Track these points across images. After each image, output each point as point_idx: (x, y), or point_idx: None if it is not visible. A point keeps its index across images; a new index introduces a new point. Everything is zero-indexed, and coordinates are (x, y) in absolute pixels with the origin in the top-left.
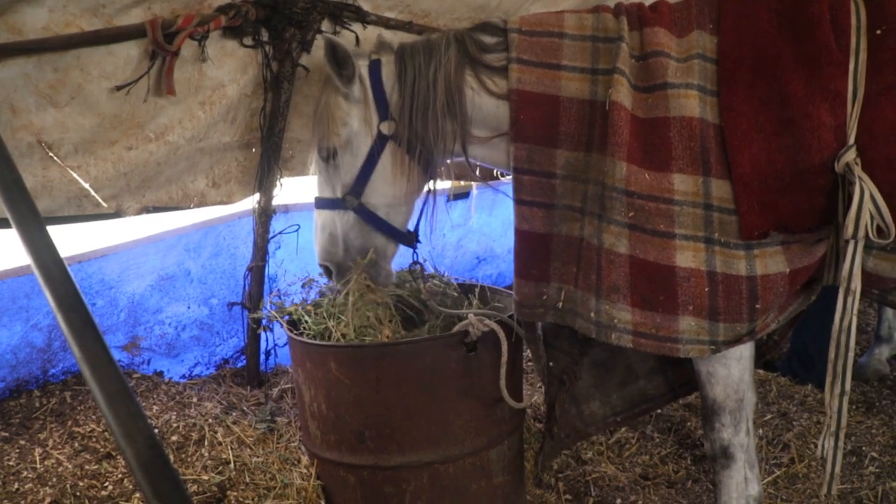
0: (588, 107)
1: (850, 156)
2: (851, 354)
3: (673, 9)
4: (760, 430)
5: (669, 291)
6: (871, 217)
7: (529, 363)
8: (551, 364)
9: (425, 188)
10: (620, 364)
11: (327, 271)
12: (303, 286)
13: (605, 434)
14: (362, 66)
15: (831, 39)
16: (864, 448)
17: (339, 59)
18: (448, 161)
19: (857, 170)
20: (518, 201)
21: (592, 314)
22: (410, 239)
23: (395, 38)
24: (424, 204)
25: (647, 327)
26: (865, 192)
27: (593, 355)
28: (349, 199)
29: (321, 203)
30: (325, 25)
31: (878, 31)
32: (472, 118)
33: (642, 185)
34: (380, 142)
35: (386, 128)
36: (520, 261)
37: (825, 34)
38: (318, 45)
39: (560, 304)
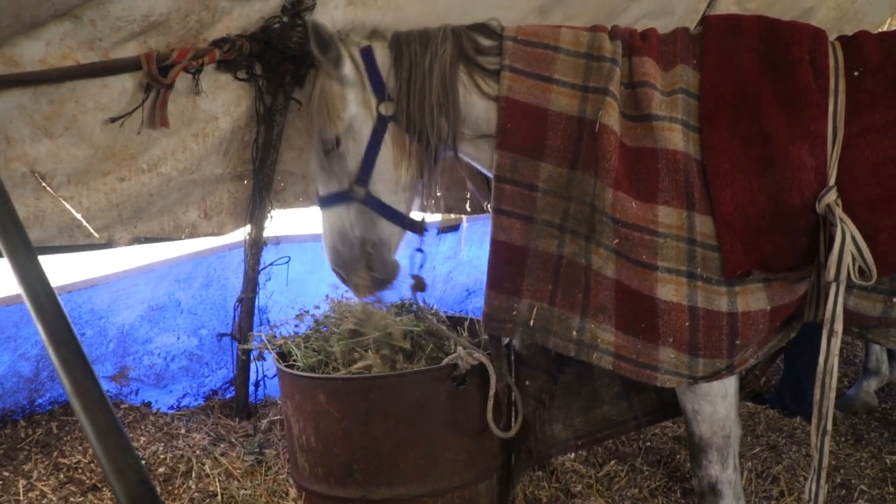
0: (576, 123)
1: (831, 197)
2: (833, 394)
3: (661, 40)
4: (749, 463)
5: (650, 321)
6: (853, 259)
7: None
8: (528, 383)
9: (427, 173)
10: (586, 388)
11: (341, 277)
12: (296, 318)
13: (568, 456)
14: (354, 51)
15: (811, 80)
16: (853, 481)
17: (323, 42)
18: (444, 155)
19: (838, 211)
20: (496, 210)
21: (574, 332)
22: (419, 226)
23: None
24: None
25: (628, 351)
26: (847, 233)
27: (564, 377)
28: (356, 188)
29: (326, 200)
30: None
31: (856, 73)
32: (463, 116)
33: (628, 214)
34: (381, 124)
35: (385, 109)
36: (493, 272)
37: (805, 75)
38: (311, 78)
39: (531, 322)
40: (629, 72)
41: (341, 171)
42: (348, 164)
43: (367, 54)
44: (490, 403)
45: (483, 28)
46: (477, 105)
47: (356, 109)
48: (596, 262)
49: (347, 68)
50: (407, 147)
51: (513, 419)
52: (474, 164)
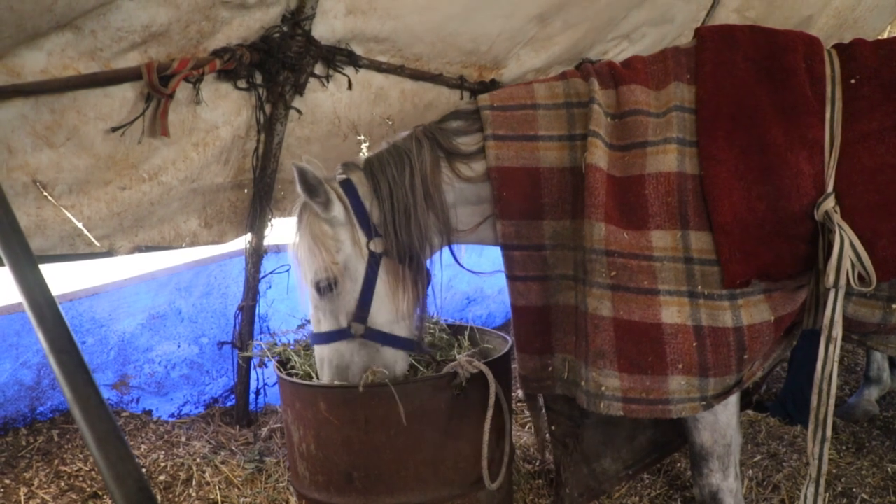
0: (569, 174)
1: (829, 203)
2: (832, 402)
3: (648, 62)
4: (750, 472)
5: (657, 351)
6: (852, 265)
7: (520, 403)
8: (553, 428)
9: (426, 293)
10: (626, 418)
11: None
12: (297, 328)
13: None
14: (338, 189)
15: (807, 88)
16: (854, 490)
17: (311, 187)
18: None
19: (837, 217)
20: (511, 277)
21: (583, 382)
22: (420, 345)
23: (387, 81)
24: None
25: (636, 392)
26: (845, 239)
27: (598, 414)
28: (355, 326)
29: (322, 338)
30: (319, 69)
31: (853, 81)
32: (455, 208)
33: (622, 244)
34: (373, 261)
35: (375, 245)
36: (520, 336)
37: (801, 83)
38: (311, 87)
39: (565, 375)
40: (616, 102)
41: (337, 309)
42: (345, 303)
43: (349, 188)
44: (485, 447)
45: (454, 113)
46: (467, 192)
47: (350, 250)
48: (591, 305)
49: (336, 209)
50: (401, 276)
51: (507, 434)
52: (484, 244)
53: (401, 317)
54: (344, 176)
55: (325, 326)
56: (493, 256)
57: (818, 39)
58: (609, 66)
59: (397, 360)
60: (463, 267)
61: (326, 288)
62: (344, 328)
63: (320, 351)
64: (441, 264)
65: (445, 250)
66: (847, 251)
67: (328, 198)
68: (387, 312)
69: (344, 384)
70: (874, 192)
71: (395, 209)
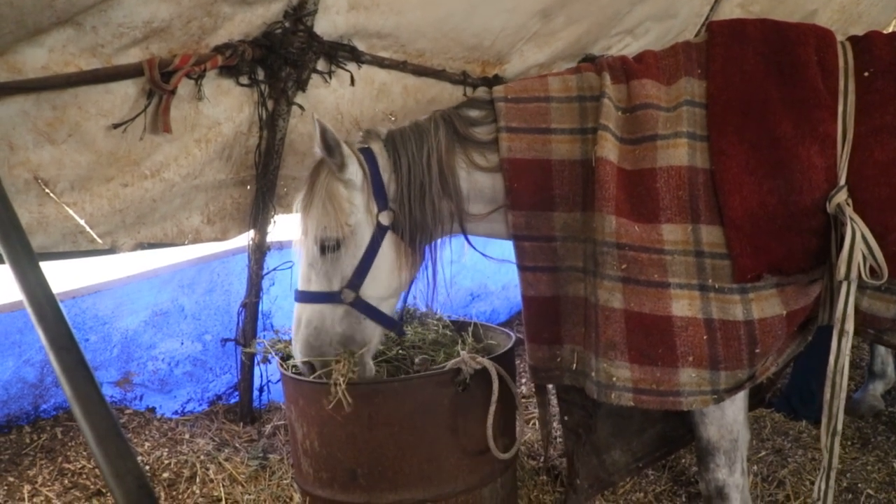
0: (580, 167)
1: (842, 196)
2: (844, 395)
3: (659, 57)
4: (755, 467)
5: (668, 343)
6: (864, 257)
7: (524, 399)
8: (566, 418)
9: (418, 274)
10: (637, 410)
11: (310, 368)
12: None
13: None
14: (358, 153)
15: (819, 82)
16: (859, 485)
17: (329, 147)
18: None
19: (849, 210)
20: (522, 268)
21: (593, 373)
22: (400, 327)
23: (389, 77)
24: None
25: (647, 383)
26: (857, 232)
27: (609, 405)
28: (346, 292)
29: (309, 297)
30: (321, 65)
31: (866, 74)
32: (468, 195)
33: (633, 237)
34: (380, 232)
35: (385, 218)
36: (530, 326)
37: (813, 77)
38: (314, 83)
39: (574, 366)
40: (627, 96)
41: (333, 271)
42: (343, 267)
43: (369, 156)
44: (490, 420)
45: (472, 101)
46: (480, 180)
47: (361, 215)
48: (602, 297)
49: (351, 172)
50: (403, 254)
51: (520, 426)
52: (494, 237)
53: (391, 294)
54: (364, 144)
55: (315, 286)
56: (496, 250)
57: (831, 32)
58: (622, 60)
59: (374, 336)
60: (475, 248)
61: (333, 247)
62: (335, 291)
63: (300, 310)
64: (451, 259)
65: (451, 244)
66: (859, 244)
67: (343, 161)
68: (379, 286)
69: (348, 380)
70: (886, 186)
71: (411, 185)
